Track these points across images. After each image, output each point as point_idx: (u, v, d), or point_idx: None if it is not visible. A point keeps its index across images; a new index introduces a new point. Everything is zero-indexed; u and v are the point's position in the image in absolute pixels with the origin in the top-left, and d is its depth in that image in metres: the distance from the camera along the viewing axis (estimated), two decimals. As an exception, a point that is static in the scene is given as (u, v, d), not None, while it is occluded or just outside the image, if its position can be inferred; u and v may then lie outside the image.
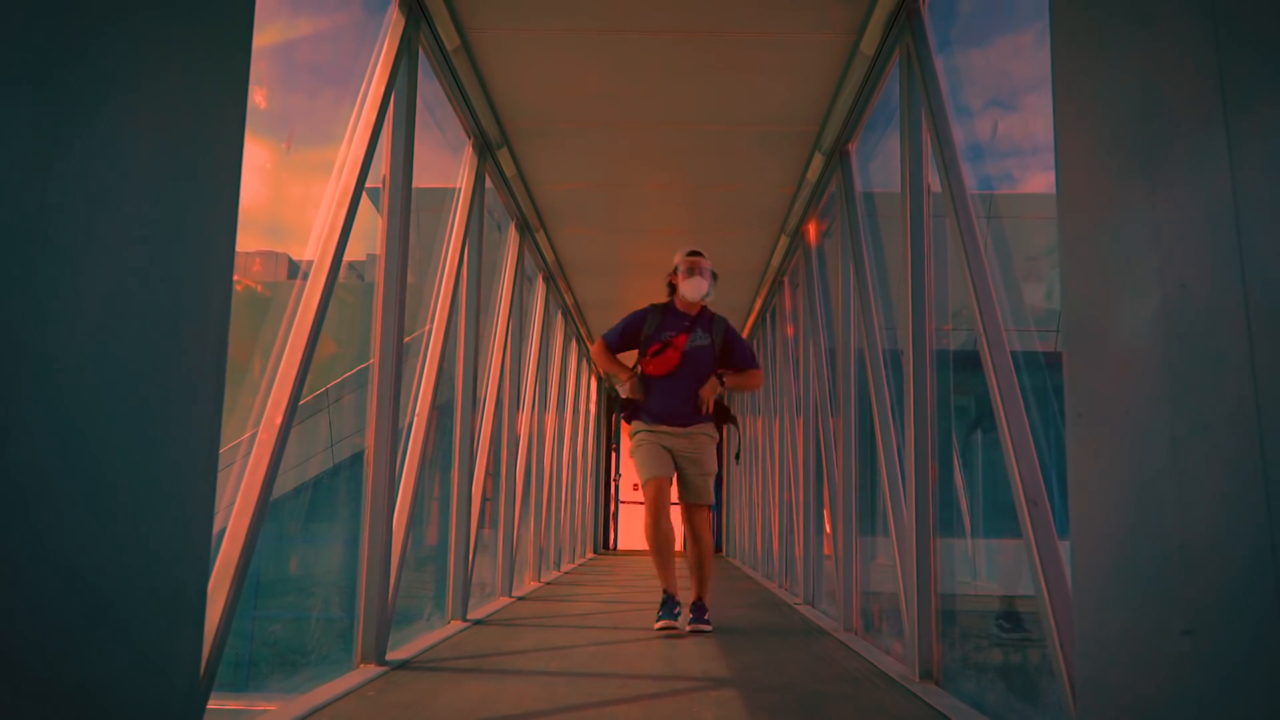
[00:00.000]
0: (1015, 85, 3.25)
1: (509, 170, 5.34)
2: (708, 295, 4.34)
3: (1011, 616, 4.30)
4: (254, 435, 2.41)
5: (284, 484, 2.57)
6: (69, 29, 1.35)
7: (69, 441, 1.38)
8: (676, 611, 4.20)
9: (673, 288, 4.40)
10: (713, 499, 4.38)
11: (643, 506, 4.24)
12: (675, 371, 4.26)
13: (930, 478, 3.24)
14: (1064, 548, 2.18)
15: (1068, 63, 1.85)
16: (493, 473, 5.67)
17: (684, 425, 4.27)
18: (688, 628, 4.16)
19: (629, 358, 4.49)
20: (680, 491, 4.32)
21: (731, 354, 4.37)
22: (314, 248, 2.83)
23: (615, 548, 15.88)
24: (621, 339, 4.44)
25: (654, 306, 4.44)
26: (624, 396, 4.44)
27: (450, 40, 3.86)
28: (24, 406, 1.27)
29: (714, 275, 4.38)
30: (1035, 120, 2.57)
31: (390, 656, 3.23)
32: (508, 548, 6.03)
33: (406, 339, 3.47)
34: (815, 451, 5.88)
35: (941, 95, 3.20)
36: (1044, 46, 1.96)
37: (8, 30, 1.22)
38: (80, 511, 1.42)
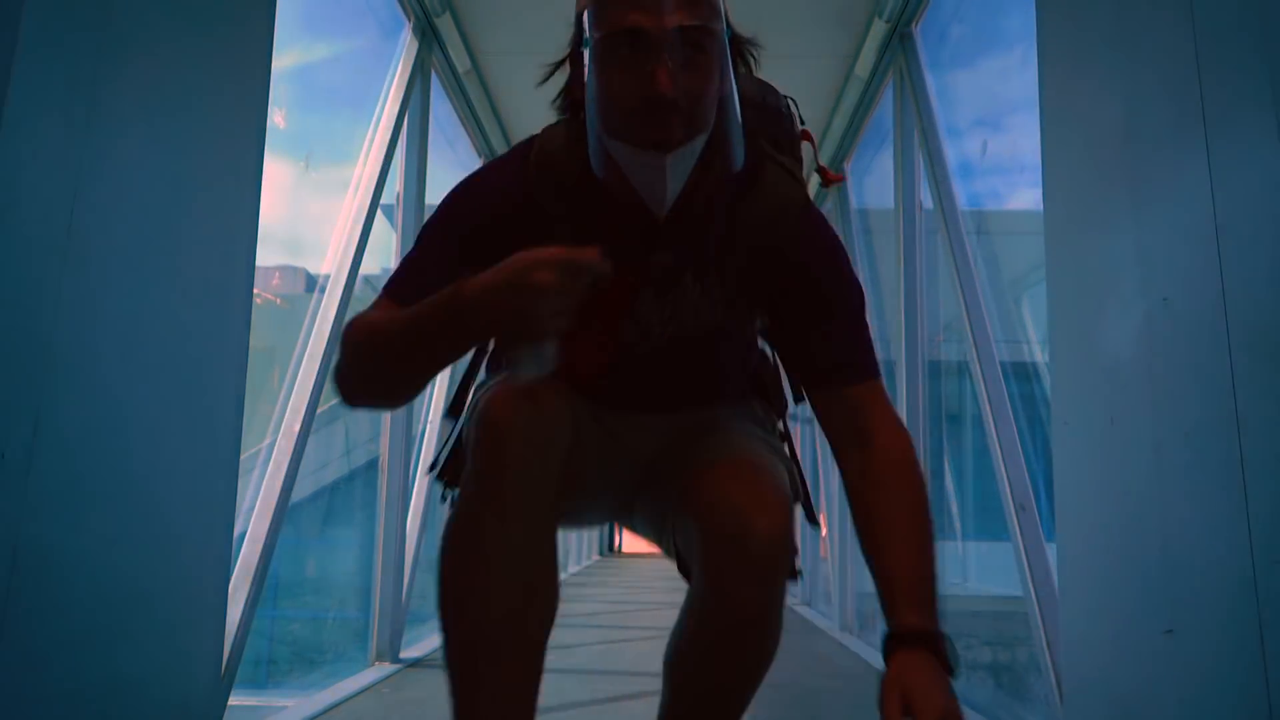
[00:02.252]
0: (1004, 106, 3.33)
1: (516, 187, 5.39)
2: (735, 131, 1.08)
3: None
4: (273, 442, 2.45)
5: (302, 489, 2.62)
6: (96, 59, 1.39)
7: (95, 448, 1.42)
8: None
9: (567, 102, 1.17)
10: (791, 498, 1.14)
11: None
12: (637, 375, 1.21)
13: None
14: (1051, 550, 2.23)
15: (1053, 84, 1.89)
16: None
17: (669, 410, 1.25)
18: None
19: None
20: (668, 468, 1.18)
21: (805, 338, 1.14)
22: (331, 262, 2.84)
23: (620, 550, 15.90)
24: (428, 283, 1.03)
25: (536, 176, 1.14)
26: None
27: (462, 63, 3.92)
28: (53, 415, 1.30)
29: (743, 48, 1.13)
30: (1023, 139, 2.65)
31: (404, 655, 3.26)
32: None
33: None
34: (811, 457, 5.94)
35: (933, 115, 3.25)
36: (1031, 69, 2.03)
37: (39, 60, 1.26)
38: (106, 515, 1.45)
